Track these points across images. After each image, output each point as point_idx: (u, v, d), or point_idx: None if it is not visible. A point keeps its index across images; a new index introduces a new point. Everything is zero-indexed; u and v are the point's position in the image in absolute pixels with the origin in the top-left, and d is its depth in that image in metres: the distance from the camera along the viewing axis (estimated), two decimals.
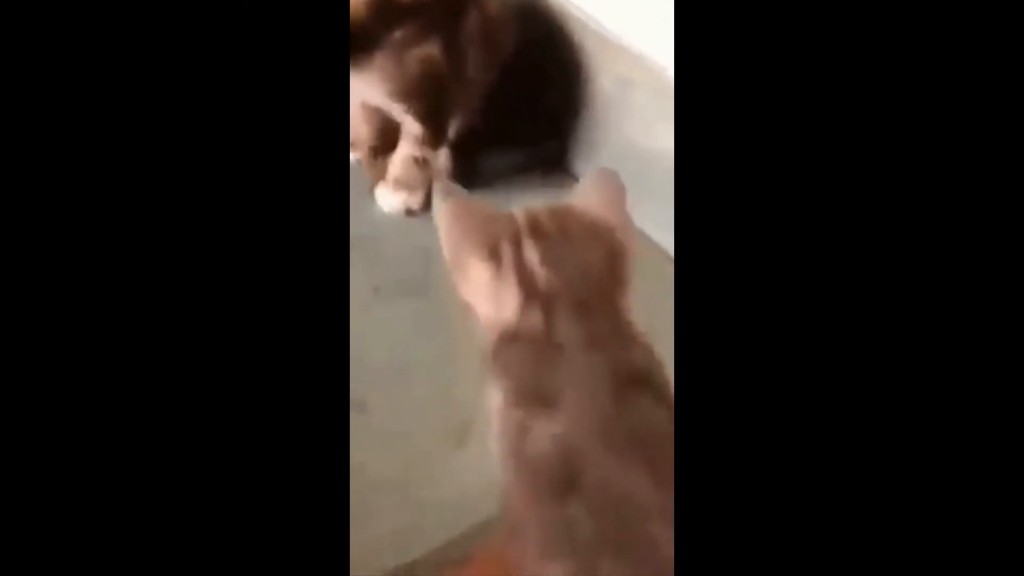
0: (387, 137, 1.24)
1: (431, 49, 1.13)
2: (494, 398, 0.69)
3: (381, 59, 1.10)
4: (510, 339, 0.70)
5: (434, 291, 1.12)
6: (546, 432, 0.64)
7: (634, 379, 0.67)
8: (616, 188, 0.75)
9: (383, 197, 1.22)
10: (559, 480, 0.62)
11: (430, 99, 1.15)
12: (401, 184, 1.21)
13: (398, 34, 1.10)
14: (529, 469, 0.64)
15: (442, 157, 1.24)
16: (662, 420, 0.63)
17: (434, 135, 1.19)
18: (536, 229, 0.72)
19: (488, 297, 0.71)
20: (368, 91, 1.15)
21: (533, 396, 0.66)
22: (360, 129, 1.24)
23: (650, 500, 0.60)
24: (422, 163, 1.21)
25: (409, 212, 1.22)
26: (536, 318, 0.69)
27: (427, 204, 1.21)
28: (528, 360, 0.68)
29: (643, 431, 0.63)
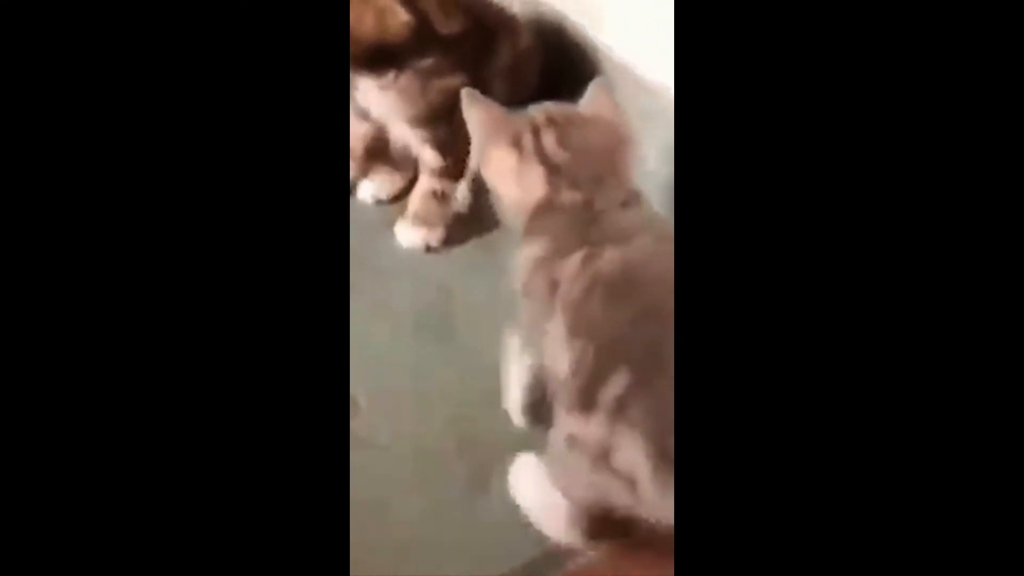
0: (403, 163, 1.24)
1: (456, 82, 1.12)
2: (529, 254, 0.87)
3: (406, 81, 1.11)
4: (545, 210, 0.88)
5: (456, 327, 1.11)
6: (617, 256, 0.83)
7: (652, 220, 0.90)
8: (609, 94, 0.96)
9: (402, 232, 1.21)
10: (622, 290, 0.81)
11: (449, 129, 1.13)
12: (420, 219, 1.20)
13: (429, 62, 1.11)
14: (591, 283, 0.82)
15: (461, 191, 1.22)
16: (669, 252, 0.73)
17: (452, 165, 1.18)
18: (551, 121, 0.92)
19: (514, 180, 0.91)
20: (389, 113, 1.16)
21: (590, 240, 0.84)
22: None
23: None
24: (441, 197, 1.19)
25: (428, 248, 1.20)
26: (571, 196, 0.88)
27: (446, 240, 1.20)
28: (571, 221, 0.87)
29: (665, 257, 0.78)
